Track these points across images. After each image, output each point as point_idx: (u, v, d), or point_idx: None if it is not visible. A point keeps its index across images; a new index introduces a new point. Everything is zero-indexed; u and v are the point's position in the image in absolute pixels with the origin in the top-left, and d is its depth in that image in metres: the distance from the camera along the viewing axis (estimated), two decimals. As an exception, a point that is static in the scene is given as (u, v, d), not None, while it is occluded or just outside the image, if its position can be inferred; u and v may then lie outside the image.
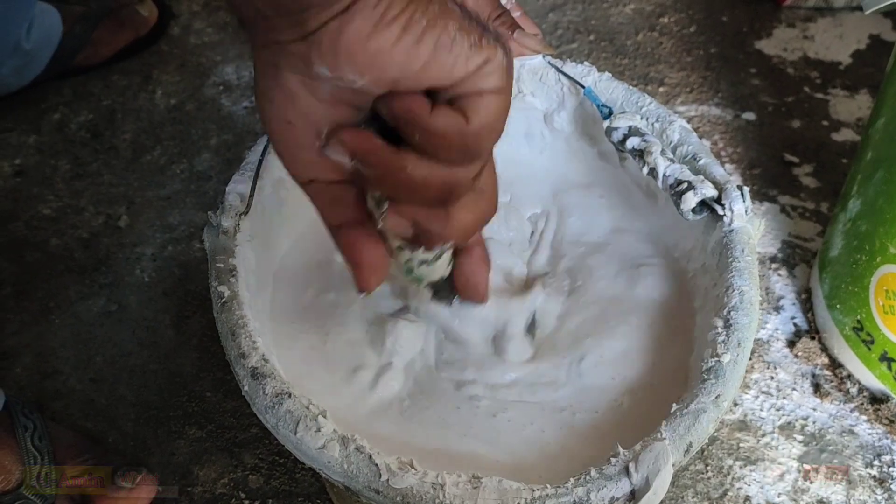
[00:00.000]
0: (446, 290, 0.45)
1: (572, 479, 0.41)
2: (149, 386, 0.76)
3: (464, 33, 0.31)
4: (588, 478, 0.41)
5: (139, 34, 1.04)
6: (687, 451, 0.43)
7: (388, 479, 0.41)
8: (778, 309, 0.80)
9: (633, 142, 0.55)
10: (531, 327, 0.55)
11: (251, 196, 0.53)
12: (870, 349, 0.71)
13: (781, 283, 0.82)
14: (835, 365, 0.76)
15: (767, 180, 0.92)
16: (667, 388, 0.52)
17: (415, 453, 0.43)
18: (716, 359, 0.46)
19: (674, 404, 0.44)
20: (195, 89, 1.02)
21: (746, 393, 0.74)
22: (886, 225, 0.65)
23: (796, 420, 0.73)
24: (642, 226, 0.61)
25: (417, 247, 0.39)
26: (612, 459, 0.42)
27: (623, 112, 0.57)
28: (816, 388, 0.75)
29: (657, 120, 0.57)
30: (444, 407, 0.52)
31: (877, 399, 0.73)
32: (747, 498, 0.68)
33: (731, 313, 0.47)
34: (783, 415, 0.73)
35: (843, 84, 1.02)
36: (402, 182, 0.34)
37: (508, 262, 0.60)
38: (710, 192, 0.52)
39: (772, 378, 0.75)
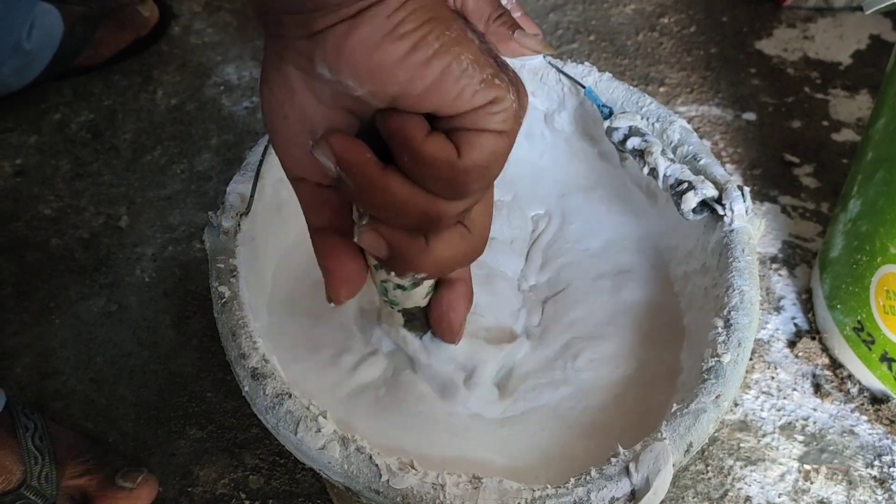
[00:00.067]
0: (420, 320, 0.44)
1: (572, 479, 0.41)
2: (149, 386, 0.76)
3: (476, 67, 0.30)
4: (588, 478, 0.41)
5: (140, 34, 1.04)
6: (687, 451, 0.43)
7: (388, 480, 0.41)
8: (778, 309, 0.80)
9: (633, 142, 0.55)
10: (504, 379, 0.53)
11: (252, 196, 0.53)
12: (870, 349, 0.71)
13: (782, 284, 0.82)
14: (835, 365, 0.76)
15: (768, 180, 0.92)
16: (656, 387, 0.52)
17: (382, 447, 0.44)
18: (716, 359, 0.46)
19: (674, 404, 0.44)
20: (196, 89, 1.02)
21: (747, 393, 0.74)
22: (887, 225, 0.65)
23: (797, 420, 0.73)
24: (641, 232, 0.61)
25: (391, 269, 0.38)
26: (613, 459, 0.42)
27: (623, 112, 0.57)
28: (817, 388, 0.75)
29: (657, 120, 0.57)
30: (417, 402, 0.51)
31: (877, 399, 0.73)
32: (748, 498, 0.68)
33: (732, 313, 0.47)
34: (784, 415, 0.73)
35: (843, 84, 1.02)
36: (381, 201, 0.33)
37: (509, 261, 0.60)
38: (710, 192, 0.52)
39: (772, 378, 0.75)
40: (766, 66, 1.05)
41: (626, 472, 0.41)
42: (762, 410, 0.73)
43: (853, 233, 0.70)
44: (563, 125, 0.63)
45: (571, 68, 0.60)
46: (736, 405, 0.73)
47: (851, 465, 0.70)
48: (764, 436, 0.72)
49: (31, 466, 0.64)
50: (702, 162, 0.54)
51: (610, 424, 0.51)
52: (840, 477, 0.70)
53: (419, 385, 0.51)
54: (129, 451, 0.72)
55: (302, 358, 0.53)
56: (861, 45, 1.07)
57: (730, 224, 0.51)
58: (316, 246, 0.38)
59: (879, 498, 0.69)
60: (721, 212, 0.51)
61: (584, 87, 0.59)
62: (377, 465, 0.41)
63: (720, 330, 0.47)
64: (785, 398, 0.74)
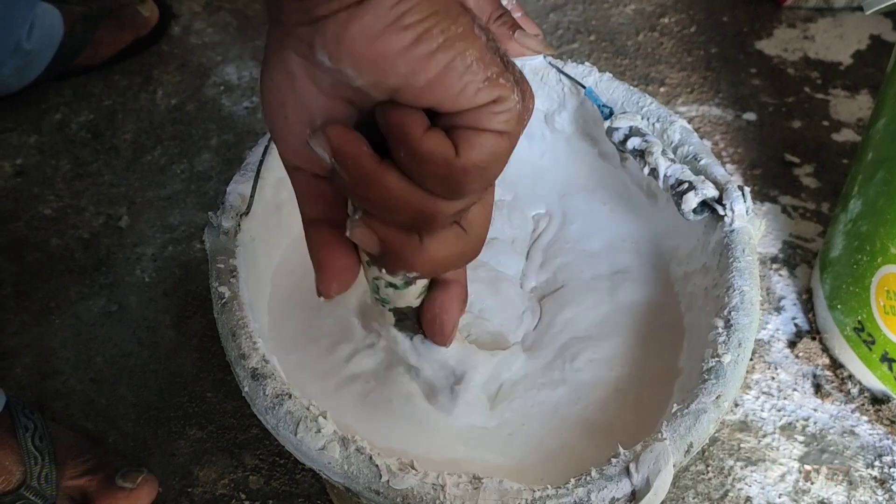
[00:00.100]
0: (411, 321, 0.43)
1: (573, 480, 0.41)
2: (149, 386, 0.76)
3: (481, 64, 0.30)
4: (588, 478, 0.41)
5: (140, 34, 1.04)
6: (688, 452, 0.43)
7: (388, 480, 0.41)
8: (779, 309, 0.80)
9: (633, 142, 0.55)
10: (495, 390, 0.52)
11: (252, 196, 0.53)
12: (871, 350, 0.71)
13: (782, 284, 0.82)
14: (836, 365, 0.76)
15: (768, 180, 0.92)
16: (656, 388, 0.52)
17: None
18: (716, 359, 0.46)
19: (674, 404, 0.44)
20: (196, 89, 1.02)
21: (747, 393, 0.74)
22: (887, 225, 0.65)
23: (797, 421, 0.73)
24: (642, 232, 0.61)
25: (383, 266, 0.37)
26: (613, 460, 0.42)
27: (624, 112, 0.57)
28: (817, 388, 0.75)
29: (658, 120, 0.57)
30: (405, 402, 0.52)
31: (878, 400, 0.73)
32: (748, 499, 0.68)
33: (732, 313, 0.47)
34: (784, 415, 0.73)
35: (843, 84, 1.02)
36: (375, 196, 0.32)
37: (510, 260, 0.60)
38: (711, 192, 0.52)
39: (773, 378, 0.75)
40: (766, 66, 1.05)
41: (627, 472, 0.41)
42: (762, 411, 0.73)
43: (853, 233, 0.70)
44: (564, 125, 0.63)
45: (572, 68, 0.60)
46: (736, 405, 0.73)
47: (852, 465, 0.70)
48: (764, 436, 0.72)
49: (30, 467, 0.64)
50: (702, 162, 0.54)
51: (609, 425, 0.51)
52: (840, 477, 0.70)
53: (409, 385, 0.51)
54: (129, 451, 0.72)
55: (299, 347, 0.53)
56: (861, 46, 1.07)
57: (730, 224, 0.51)
58: (308, 237, 0.37)
59: (880, 498, 0.68)
60: (721, 212, 0.51)
61: (584, 87, 0.59)
62: (377, 466, 0.41)
63: (720, 330, 0.47)
64: (785, 398, 0.74)
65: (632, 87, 0.59)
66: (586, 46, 1.07)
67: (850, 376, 0.74)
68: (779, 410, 0.73)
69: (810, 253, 0.85)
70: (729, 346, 0.46)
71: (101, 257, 0.85)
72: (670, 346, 0.54)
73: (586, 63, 0.60)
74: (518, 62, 0.60)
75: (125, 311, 0.81)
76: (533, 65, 0.61)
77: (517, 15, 0.61)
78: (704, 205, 0.52)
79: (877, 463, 0.70)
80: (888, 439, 0.71)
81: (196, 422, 0.73)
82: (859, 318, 0.71)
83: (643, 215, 0.61)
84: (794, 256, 0.85)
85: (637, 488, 0.41)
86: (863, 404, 0.73)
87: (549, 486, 0.41)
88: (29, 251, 0.86)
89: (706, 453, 0.71)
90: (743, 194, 0.51)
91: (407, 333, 0.45)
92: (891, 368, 0.70)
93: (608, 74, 0.60)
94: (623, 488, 0.41)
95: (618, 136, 0.56)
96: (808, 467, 0.70)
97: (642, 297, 0.57)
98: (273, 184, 0.55)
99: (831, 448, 0.71)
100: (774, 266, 0.84)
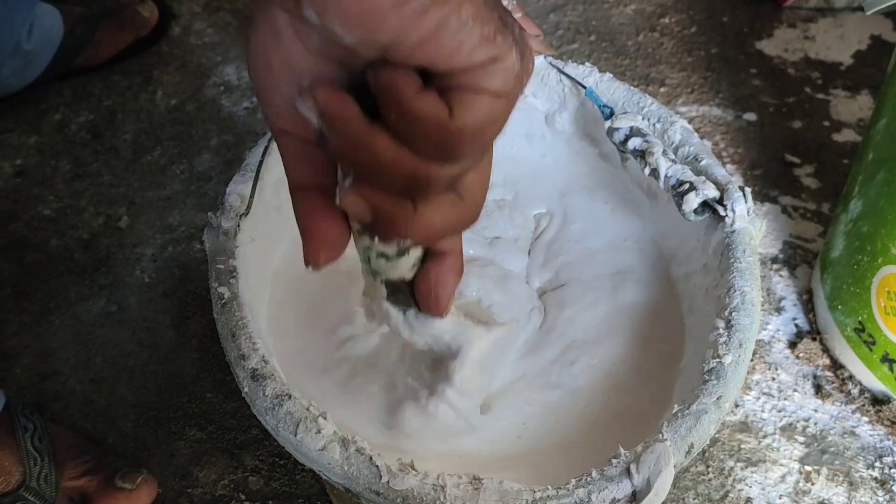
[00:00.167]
0: (405, 294, 0.41)
1: (573, 480, 0.41)
2: (149, 387, 0.76)
3: (478, 22, 0.28)
4: (589, 479, 0.41)
5: (140, 35, 1.04)
6: (688, 453, 0.43)
7: (388, 481, 0.41)
8: (779, 310, 0.80)
9: (634, 142, 0.55)
10: (487, 368, 0.52)
11: (251, 197, 0.52)
12: (871, 350, 0.71)
13: (783, 284, 0.82)
14: (836, 366, 0.75)
15: (768, 181, 0.92)
16: (656, 389, 0.52)
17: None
18: (717, 360, 0.46)
19: (675, 405, 0.44)
20: (195, 90, 1.02)
21: (748, 394, 0.74)
22: (888, 226, 0.65)
23: (798, 421, 0.73)
24: (642, 232, 0.61)
25: (374, 235, 0.35)
26: (614, 460, 0.42)
27: (624, 113, 0.57)
28: (818, 389, 0.75)
29: (658, 120, 0.57)
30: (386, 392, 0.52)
31: (878, 400, 0.73)
32: (748, 499, 0.68)
33: (733, 314, 0.47)
34: (784, 416, 0.73)
35: (844, 84, 1.02)
36: (366, 160, 0.30)
37: (514, 258, 0.60)
38: (711, 192, 0.52)
39: (773, 379, 0.75)
40: (766, 66, 1.05)
41: (627, 473, 0.41)
42: (763, 411, 0.73)
43: (854, 233, 0.70)
44: (564, 126, 0.63)
45: (572, 69, 0.60)
46: (737, 406, 0.73)
47: (852, 466, 0.70)
48: (765, 437, 0.72)
49: (30, 467, 0.64)
50: (703, 162, 0.54)
51: (608, 426, 0.51)
52: (841, 478, 0.70)
53: (394, 373, 0.51)
54: (128, 451, 0.72)
55: (297, 334, 0.54)
56: (862, 46, 1.07)
57: (731, 225, 0.51)
58: (296, 205, 0.35)
59: (880, 499, 0.68)
60: (722, 212, 0.51)
61: (584, 87, 0.59)
62: (377, 467, 0.41)
63: (721, 331, 0.47)
64: (786, 399, 0.74)
65: (632, 88, 0.59)
66: (586, 47, 1.07)
67: (851, 377, 0.74)
68: (779, 411, 0.73)
69: (811, 253, 0.85)
70: (730, 347, 0.46)
71: (100, 258, 0.85)
72: (671, 346, 0.54)
73: (587, 63, 0.60)
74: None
75: (125, 311, 0.81)
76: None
77: (518, 15, 0.61)
78: (705, 205, 0.52)
79: (877, 464, 0.70)
80: (889, 440, 0.71)
81: (196, 422, 0.73)
82: (860, 318, 0.71)
83: (644, 215, 0.61)
84: (795, 257, 0.85)
85: (638, 489, 0.41)
86: (863, 405, 0.73)
87: (549, 487, 0.41)
88: (28, 252, 0.86)
89: (707, 454, 0.71)
90: (744, 195, 0.51)
91: (400, 307, 0.44)
92: (891, 369, 0.70)
93: (609, 75, 0.60)
94: (624, 489, 0.41)
95: (618, 137, 0.56)
96: (808, 468, 0.70)
97: (643, 297, 0.57)
98: (273, 184, 0.55)
99: (832, 449, 0.71)
100: (775, 266, 0.84)
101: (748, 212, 0.51)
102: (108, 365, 0.77)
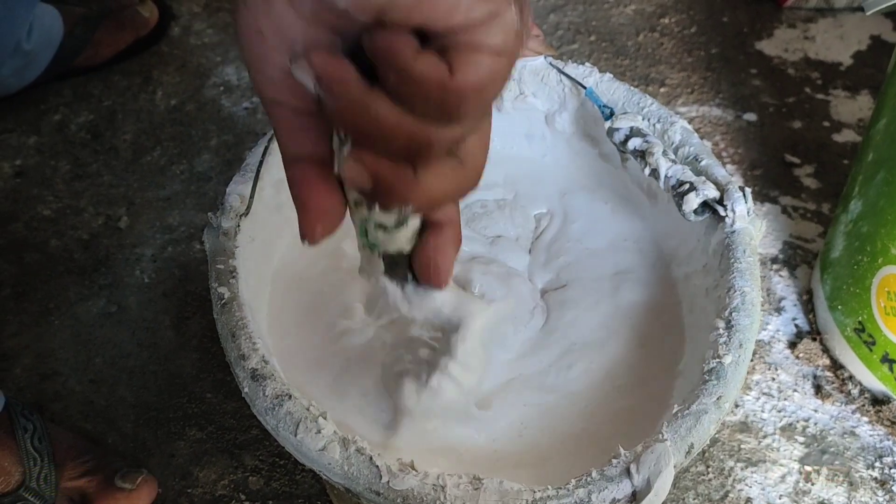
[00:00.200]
0: (403, 267, 0.41)
1: (573, 480, 0.41)
2: (148, 387, 0.76)
3: None
4: (589, 479, 0.41)
5: (140, 35, 1.04)
6: (688, 453, 0.43)
7: (388, 481, 0.41)
8: (779, 310, 0.80)
9: (634, 143, 0.55)
10: (487, 343, 0.51)
11: (251, 197, 0.52)
12: (871, 350, 0.71)
13: (783, 285, 0.82)
14: (836, 366, 0.75)
15: (768, 181, 0.92)
16: (655, 390, 0.52)
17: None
18: (717, 360, 0.46)
19: (675, 405, 0.44)
20: (195, 90, 1.02)
21: (748, 394, 0.74)
22: (888, 226, 0.65)
23: (797, 421, 0.73)
24: (642, 233, 0.61)
25: (374, 204, 0.35)
26: (614, 461, 0.42)
27: (624, 113, 0.57)
28: (818, 389, 0.75)
29: (658, 121, 0.57)
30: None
31: (878, 400, 0.73)
32: (748, 499, 0.68)
33: (733, 314, 0.47)
34: (784, 416, 0.73)
35: (843, 85, 1.02)
36: (366, 124, 0.30)
37: (516, 257, 0.60)
38: (711, 193, 0.52)
39: (773, 379, 0.75)
40: (766, 66, 1.05)
41: (627, 473, 0.41)
42: (763, 412, 0.73)
43: (854, 234, 0.70)
44: (564, 126, 0.63)
45: (572, 69, 0.60)
46: (737, 406, 0.73)
47: (852, 466, 0.70)
48: (765, 437, 0.72)
49: (29, 468, 0.64)
50: (703, 163, 0.54)
51: (607, 428, 0.51)
52: (841, 478, 0.69)
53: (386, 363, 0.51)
54: (128, 452, 0.72)
55: (297, 331, 0.54)
56: (862, 46, 1.07)
57: (731, 225, 0.51)
58: (290, 177, 0.35)
59: (880, 499, 0.68)
60: (722, 213, 0.51)
61: (585, 87, 0.59)
62: (377, 467, 0.41)
63: (721, 331, 0.47)
64: (786, 399, 0.74)
65: (632, 88, 0.59)
66: (587, 47, 1.07)
67: (851, 377, 0.74)
68: (779, 411, 0.73)
69: (811, 254, 0.85)
70: (730, 347, 0.46)
71: (100, 258, 0.85)
72: (671, 347, 0.54)
73: (587, 64, 0.60)
74: (519, 63, 0.61)
75: (124, 311, 0.81)
76: (534, 65, 0.61)
77: (518, 15, 0.61)
78: (705, 205, 0.52)
79: (877, 464, 0.70)
80: (889, 440, 0.71)
81: (196, 422, 0.73)
82: (860, 318, 0.71)
83: (644, 216, 0.61)
84: (795, 257, 0.85)
85: (638, 489, 0.41)
86: (863, 405, 0.73)
87: (549, 487, 0.41)
88: (28, 252, 0.86)
89: (707, 454, 0.71)
90: (744, 195, 0.51)
91: (398, 282, 0.43)
92: (891, 369, 0.70)
93: (609, 75, 0.60)
94: (624, 489, 0.41)
95: (618, 137, 0.56)
96: (808, 468, 0.70)
97: (644, 298, 0.57)
98: (273, 184, 0.55)
99: (832, 449, 0.71)
100: (775, 267, 0.84)
101: (748, 212, 0.51)
102: (107, 365, 0.77)
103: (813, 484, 0.69)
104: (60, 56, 0.99)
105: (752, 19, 1.11)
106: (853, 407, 0.73)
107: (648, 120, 0.57)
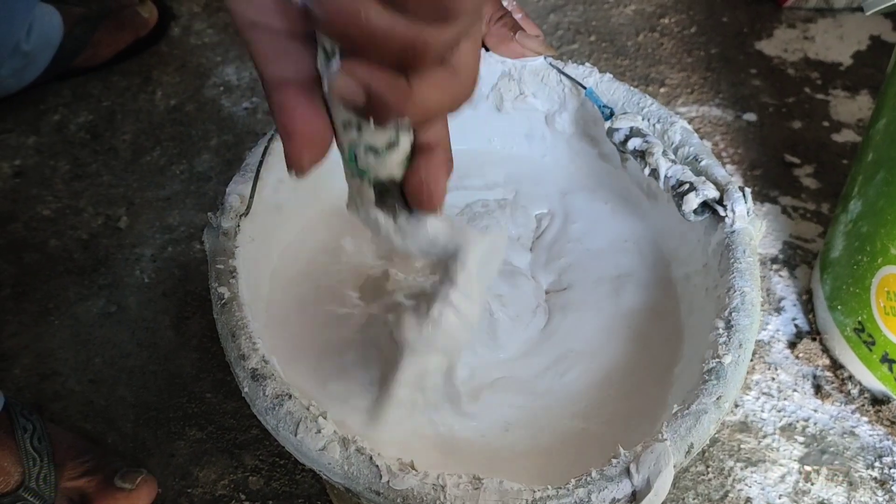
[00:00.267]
0: (394, 196, 0.39)
1: (573, 480, 0.41)
2: (148, 387, 0.76)
3: None
4: (589, 479, 0.41)
5: (139, 35, 1.04)
6: (688, 453, 0.43)
7: (388, 481, 0.41)
8: (779, 310, 0.80)
9: (634, 143, 0.55)
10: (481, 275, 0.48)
11: (251, 197, 0.52)
12: (871, 350, 0.71)
13: (782, 285, 0.82)
14: (836, 366, 0.75)
15: (768, 181, 0.92)
16: (651, 390, 0.52)
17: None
18: (717, 360, 0.46)
19: (675, 405, 0.44)
20: (195, 90, 1.02)
21: (747, 394, 0.74)
22: (888, 226, 0.65)
23: (797, 421, 0.73)
24: (643, 233, 0.61)
25: (367, 120, 0.33)
26: (613, 460, 0.42)
27: (624, 113, 0.57)
28: (817, 389, 0.75)
29: (658, 121, 0.57)
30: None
31: (878, 400, 0.73)
32: (748, 499, 0.68)
33: (733, 314, 0.47)
34: (784, 416, 0.73)
35: (843, 85, 1.02)
36: (357, 30, 0.29)
37: (518, 255, 0.60)
38: (711, 193, 0.52)
39: (773, 379, 0.75)
40: (766, 66, 1.05)
41: (627, 473, 0.41)
42: (763, 411, 0.73)
43: (854, 234, 0.70)
44: (564, 126, 0.63)
45: (572, 69, 0.60)
46: (736, 406, 0.73)
47: (852, 466, 0.70)
48: (764, 437, 0.72)
49: (29, 468, 0.64)
50: (703, 163, 0.54)
51: (607, 427, 0.51)
52: (840, 478, 0.70)
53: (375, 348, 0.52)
54: (128, 452, 0.72)
55: (291, 328, 0.54)
56: (861, 46, 1.07)
57: (731, 225, 0.51)
58: (273, 103, 0.33)
59: (880, 499, 0.68)
60: (722, 213, 0.51)
61: (585, 87, 0.59)
62: (377, 466, 0.41)
63: (721, 331, 0.47)
64: (785, 399, 0.74)
65: (632, 88, 0.59)
66: (586, 47, 1.07)
67: (851, 377, 0.74)
68: (779, 411, 0.73)
69: (810, 254, 0.85)
70: (729, 347, 0.46)
71: (99, 258, 0.85)
72: (670, 347, 0.54)
73: (587, 64, 0.60)
74: (519, 63, 0.61)
75: (124, 311, 0.81)
76: (534, 66, 0.61)
77: (518, 16, 0.61)
78: (705, 206, 0.52)
79: (877, 464, 0.70)
80: (888, 440, 0.71)
81: (196, 422, 0.73)
82: (859, 318, 0.71)
83: (644, 216, 0.61)
84: (795, 257, 0.85)
85: (638, 489, 0.41)
86: (863, 405, 0.73)
87: (549, 487, 0.41)
88: (27, 252, 0.86)
89: (706, 454, 0.71)
90: (744, 195, 0.51)
91: (389, 213, 0.41)
92: (891, 369, 0.70)
93: (608, 75, 0.60)
94: (623, 489, 0.41)
95: (618, 137, 0.56)
96: (808, 468, 0.70)
97: (644, 300, 0.57)
98: (272, 184, 0.55)
99: (831, 449, 0.71)
100: (774, 267, 0.84)
101: (748, 212, 0.51)
102: (107, 365, 0.77)
103: (812, 484, 0.69)
104: (60, 56, 0.99)
105: (751, 19, 1.11)
106: (853, 407, 0.73)
107: (648, 120, 0.57)
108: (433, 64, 0.31)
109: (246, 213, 0.52)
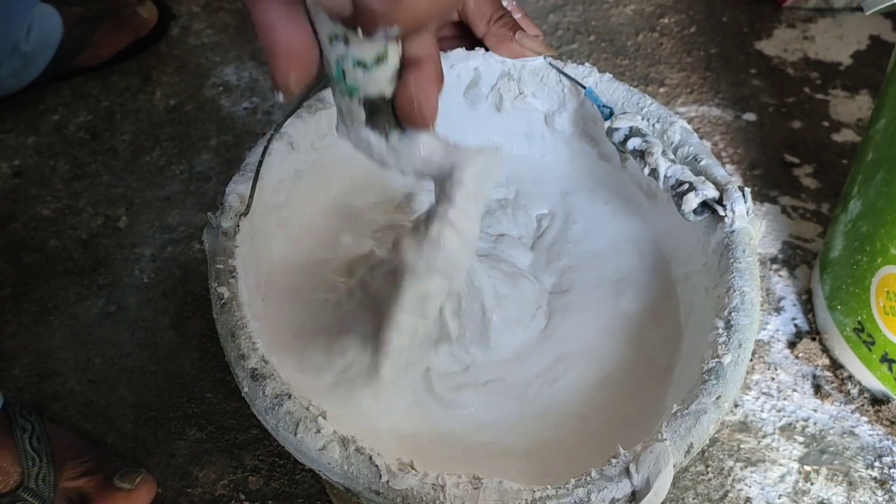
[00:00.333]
0: (385, 114, 0.38)
1: (573, 480, 0.41)
2: (148, 387, 0.76)
3: None
4: (589, 478, 0.41)
5: (139, 35, 1.04)
6: (688, 452, 0.43)
7: (388, 481, 0.41)
8: (779, 310, 0.80)
9: (634, 142, 0.55)
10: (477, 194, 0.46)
11: (251, 197, 0.52)
12: (870, 350, 0.71)
13: (782, 284, 0.82)
14: (835, 366, 0.75)
15: (768, 181, 0.92)
16: (650, 390, 0.52)
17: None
18: (717, 359, 0.46)
19: (674, 405, 0.44)
20: (195, 90, 1.02)
21: (747, 394, 0.74)
22: (887, 226, 0.65)
23: (797, 421, 0.73)
24: (642, 233, 0.61)
25: (354, 31, 0.32)
26: (613, 460, 0.42)
27: (624, 113, 0.56)
28: (817, 389, 0.75)
29: (658, 121, 0.57)
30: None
31: (877, 400, 0.73)
32: (748, 499, 0.68)
33: (733, 314, 0.47)
34: (784, 416, 0.73)
35: (843, 85, 1.02)
36: None
37: (519, 254, 0.60)
38: (711, 192, 0.52)
39: (772, 379, 0.75)
40: (766, 66, 1.05)
41: (627, 472, 0.41)
42: (762, 411, 0.73)
43: (853, 233, 0.70)
44: (564, 126, 0.63)
45: (572, 69, 0.60)
46: (736, 406, 0.73)
47: (851, 466, 0.70)
48: (764, 437, 0.72)
49: (28, 468, 0.64)
50: (702, 163, 0.54)
51: (606, 427, 0.51)
52: (840, 478, 0.70)
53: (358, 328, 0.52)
54: (127, 452, 0.72)
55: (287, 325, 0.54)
56: (861, 46, 1.07)
57: (730, 225, 0.51)
58: (257, 21, 0.33)
59: (880, 499, 0.68)
60: (722, 213, 0.51)
61: (584, 87, 0.59)
62: (377, 466, 0.41)
63: (721, 331, 0.47)
64: (785, 399, 0.74)
65: (632, 88, 0.59)
66: (586, 47, 1.07)
67: (850, 377, 0.74)
68: (778, 411, 0.73)
69: (810, 253, 0.85)
70: (729, 347, 0.46)
71: (99, 258, 0.85)
72: (669, 348, 0.54)
73: (586, 64, 0.60)
74: (518, 63, 0.61)
75: (124, 311, 0.81)
76: (533, 66, 0.61)
77: (517, 16, 0.61)
78: (705, 205, 0.52)
79: (877, 464, 0.70)
80: (888, 440, 0.71)
81: (195, 422, 0.73)
82: (859, 318, 0.71)
83: (644, 216, 0.61)
84: (794, 257, 0.85)
85: (637, 489, 0.41)
86: (862, 405, 0.73)
87: (548, 487, 0.41)
88: (27, 252, 0.86)
89: (706, 454, 0.71)
90: (743, 195, 0.51)
91: (381, 132, 0.40)
92: (890, 369, 0.70)
93: (608, 75, 0.60)
94: (623, 489, 0.41)
95: (618, 137, 0.56)
96: (807, 468, 0.70)
97: (644, 302, 0.57)
98: (272, 184, 0.55)
99: (831, 449, 0.71)
100: (774, 267, 0.84)
101: (748, 212, 0.51)
102: (107, 365, 0.77)
103: (812, 484, 0.69)
104: (59, 56, 0.99)
105: (751, 19, 1.11)
106: (852, 407, 0.73)
107: (648, 120, 0.57)
108: None
109: (246, 213, 0.52)
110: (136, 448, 0.72)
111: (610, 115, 0.57)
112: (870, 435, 0.72)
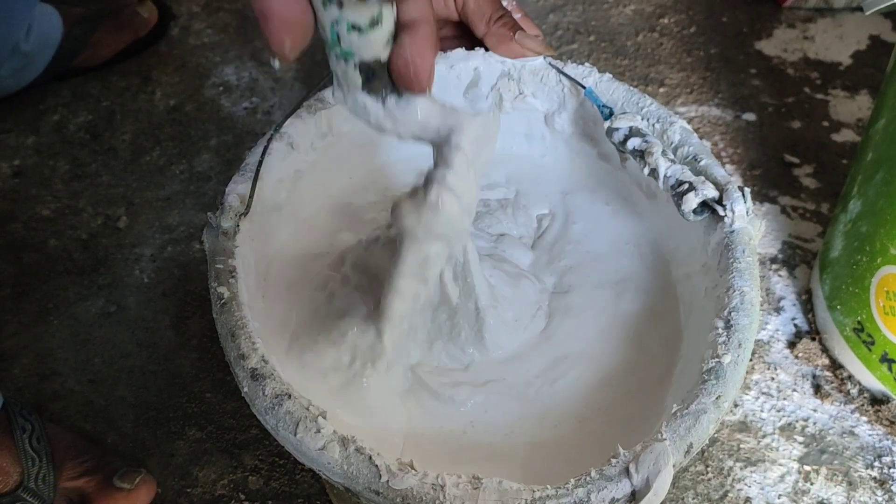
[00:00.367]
0: (381, 79, 0.38)
1: (573, 480, 0.41)
2: (148, 387, 0.76)
3: None
4: (588, 478, 0.41)
5: (139, 35, 1.04)
6: (687, 452, 0.43)
7: (388, 481, 0.41)
8: (778, 310, 0.80)
9: (634, 142, 0.55)
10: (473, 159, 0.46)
11: (251, 197, 0.52)
12: (870, 350, 0.71)
13: (782, 284, 0.82)
14: (835, 366, 0.75)
15: (768, 181, 0.92)
16: (652, 388, 0.52)
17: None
18: (716, 359, 0.46)
19: (674, 405, 0.44)
20: (195, 90, 1.02)
21: (747, 394, 0.74)
22: (887, 226, 0.65)
23: (797, 421, 0.73)
24: (642, 233, 0.61)
25: None
26: (613, 460, 0.42)
27: (624, 113, 0.56)
28: (817, 389, 0.75)
29: (658, 121, 0.57)
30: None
31: (877, 400, 0.73)
32: (748, 499, 0.68)
33: (732, 314, 0.47)
34: (784, 416, 0.73)
35: (843, 85, 1.02)
36: None
37: (520, 254, 0.60)
38: (711, 192, 0.52)
39: (772, 379, 0.75)
40: (766, 66, 1.05)
41: (627, 472, 0.41)
42: (762, 411, 0.73)
43: (853, 233, 0.70)
44: (564, 126, 0.63)
45: (572, 69, 0.60)
46: (736, 406, 0.73)
47: (851, 465, 0.70)
48: (764, 437, 0.72)
49: (28, 468, 0.64)
50: (702, 163, 0.54)
51: (605, 427, 0.51)
52: (840, 478, 0.70)
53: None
54: (127, 451, 0.72)
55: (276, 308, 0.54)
56: (861, 46, 1.07)
57: (730, 225, 0.51)
58: None
59: (879, 499, 0.68)
60: (722, 213, 0.51)
61: (584, 87, 0.59)
62: (377, 466, 0.41)
63: (720, 331, 0.47)
64: (785, 399, 0.74)
65: (631, 88, 0.59)
66: (586, 47, 1.07)
67: (850, 377, 0.74)
68: (778, 411, 0.73)
69: (810, 253, 0.85)
70: (729, 347, 0.46)
71: (99, 258, 0.85)
72: (669, 348, 0.54)
73: (586, 64, 0.60)
74: (518, 63, 0.61)
75: (124, 311, 0.81)
76: (533, 66, 0.61)
77: (517, 16, 0.61)
78: (704, 205, 0.52)
79: (876, 463, 0.70)
80: (888, 440, 0.71)
81: (195, 422, 0.73)
82: (859, 318, 0.71)
83: (644, 216, 0.61)
84: (794, 257, 0.85)
85: (637, 489, 0.41)
86: (862, 405, 0.73)
87: (548, 486, 0.41)
88: (27, 252, 0.86)
89: (706, 454, 0.71)
90: (743, 195, 0.51)
91: (377, 96, 0.40)
92: (890, 369, 0.70)
93: (608, 75, 0.60)
94: (623, 489, 0.41)
95: (618, 137, 0.56)
96: (807, 468, 0.70)
97: (644, 302, 0.57)
98: (272, 184, 0.55)
99: (831, 448, 0.71)
100: (774, 266, 0.84)
101: (747, 212, 0.51)
102: (107, 365, 0.77)
103: (812, 483, 0.69)
104: (59, 56, 0.99)
105: (751, 19, 1.11)
106: (852, 406, 0.73)
107: (648, 120, 0.57)
108: None
109: (245, 213, 0.52)
110: (135, 448, 0.72)
111: (610, 115, 0.57)
112: (869, 435, 0.72)
